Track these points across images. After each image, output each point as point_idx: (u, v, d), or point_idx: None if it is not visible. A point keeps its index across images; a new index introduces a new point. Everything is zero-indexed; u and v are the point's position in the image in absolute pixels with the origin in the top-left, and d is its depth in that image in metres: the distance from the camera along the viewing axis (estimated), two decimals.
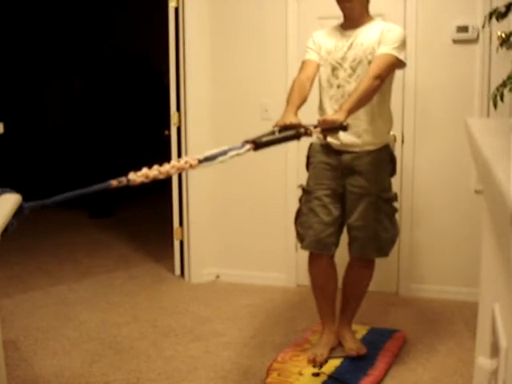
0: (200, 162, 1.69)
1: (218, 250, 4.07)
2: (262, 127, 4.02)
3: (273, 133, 2.30)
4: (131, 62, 6.85)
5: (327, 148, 2.70)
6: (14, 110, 6.45)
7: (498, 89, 2.13)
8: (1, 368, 1.75)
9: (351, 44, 2.65)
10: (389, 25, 2.64)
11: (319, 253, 2.72)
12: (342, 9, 2.67)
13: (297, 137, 2.33)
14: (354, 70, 2.63)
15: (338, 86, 2.65)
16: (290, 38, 3.71)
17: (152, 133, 6.16)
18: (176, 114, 3.97)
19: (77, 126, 6.76)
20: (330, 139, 2.64)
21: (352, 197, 2.66)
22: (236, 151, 1.85)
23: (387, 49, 2.56)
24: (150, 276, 4.20)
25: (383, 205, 2.67)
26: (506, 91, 2.10)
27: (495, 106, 2.13)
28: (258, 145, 2.01)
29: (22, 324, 3.32)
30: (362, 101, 2.49)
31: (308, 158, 2.81)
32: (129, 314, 3.49)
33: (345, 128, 2.37)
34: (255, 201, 3.95)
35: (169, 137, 4.02)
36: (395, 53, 2.56)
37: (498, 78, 2.49)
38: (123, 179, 1.57)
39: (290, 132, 2.29)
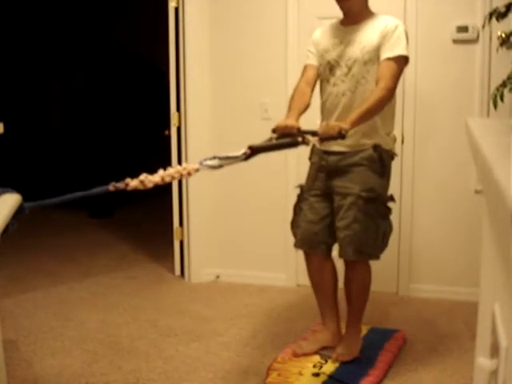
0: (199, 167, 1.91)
1: (218, 250, 4.07)
2: (262, 127, 4.00)
3: (270, 140, 2.37)
4: (131, 61, 6.85)
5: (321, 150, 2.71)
6: (14, 110, 6.44)
7: (497, 89, 2.13)
8: (1, 368, 1.75)
9: (349, 41, 2.62)
10: (388, 23, 2.56)
11: (310, 251, 2.78)
12: (341, 7, 2.65)
13: (293, 145, 2.38)
14: (349, 68, 2.60)
15: (334, 85, 2.64)
16: (290, 38, 3.72)
17: (152, 133, 6.16)
18: (176, 114, 3.96)
19: (77, 126, 6.76)
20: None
21: (337, 198, 2.65)
22: (234, 154, 2.03)
23: (392, 53, 2.51)
24: (149, 276, 4.20)
25: (364, 205, 2.57)
26: (506, 91, 2.10)
27: (495, 106, 2.13)
28: (254, 150, 2.12)
29: (22, 324, 3.32)
30: (370, 114, 2.48)
31: (310, 159, 2.84)
32: (129, 314, 3.49)
33: (343, 136, 2.37)
34: (255, 201, 3.95)
35: (169, 137, 4.02)
36: (401, 52, 2.52)
37: (497, 78, 2.49)
38: (120, 184, 1.68)
39: (287, 140, 2.35)
